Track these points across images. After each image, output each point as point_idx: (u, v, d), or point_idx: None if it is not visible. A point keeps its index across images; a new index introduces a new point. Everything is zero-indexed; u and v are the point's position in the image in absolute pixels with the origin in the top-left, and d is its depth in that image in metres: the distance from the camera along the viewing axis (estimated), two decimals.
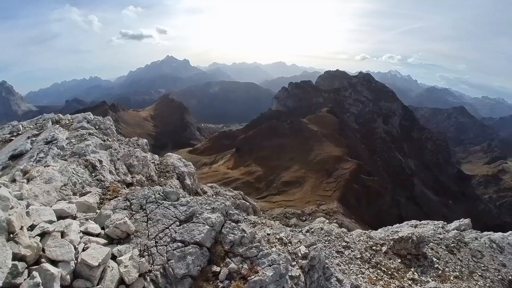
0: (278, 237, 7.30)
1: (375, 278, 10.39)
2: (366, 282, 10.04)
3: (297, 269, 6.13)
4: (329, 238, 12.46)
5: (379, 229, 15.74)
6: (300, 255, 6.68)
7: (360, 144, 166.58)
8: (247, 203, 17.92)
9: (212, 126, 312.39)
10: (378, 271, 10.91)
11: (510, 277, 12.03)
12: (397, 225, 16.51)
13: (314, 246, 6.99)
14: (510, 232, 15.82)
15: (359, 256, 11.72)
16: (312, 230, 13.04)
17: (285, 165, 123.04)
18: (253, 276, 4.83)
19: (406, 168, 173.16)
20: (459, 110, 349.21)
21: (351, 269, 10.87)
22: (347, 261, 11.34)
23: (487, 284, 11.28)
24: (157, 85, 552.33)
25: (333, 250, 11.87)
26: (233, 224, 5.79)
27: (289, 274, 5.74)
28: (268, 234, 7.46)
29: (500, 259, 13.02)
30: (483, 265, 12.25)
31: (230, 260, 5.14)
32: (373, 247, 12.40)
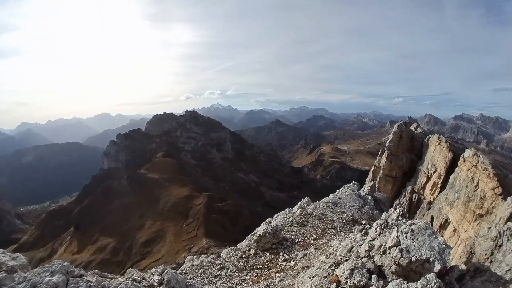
0: (131, 279, 7.34)
1: (256, 277, 11.05)
2: (251, 285, 10.50)
3: None
4: (202, 270, 12.32)
5: (244, 240, 16.68)
6: (156, 283, 7.07)
7: (203, 177, 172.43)
8: (107, 279, 15.33)
9: (36, 207, 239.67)
10: (256, 270, 11.61)
11: (350, 217, 15.73)
12: (257, 228, 17.89)
13: (166, 271, 7.42)
14: (337, 191, 20.18)
15: (235, 269, 12.03)
16: (184, 270, 12.59)
17: (138, 224, 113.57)
18: None
19: (251, 182, 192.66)
20: (276, 123, 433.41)
21: (233, 283, 11.09)
22: (227, 279, 11.50)
23: (338, 229, 14.19)
24: None
25: (211, 276, 11.83)
26: (77, 279, 5.84)
27: None
28: (122, 281, 7.08)
29: (338, 210, 16.79)
30: (329, 220, 15.21)
31: None
32: (243, 256, 13.00)
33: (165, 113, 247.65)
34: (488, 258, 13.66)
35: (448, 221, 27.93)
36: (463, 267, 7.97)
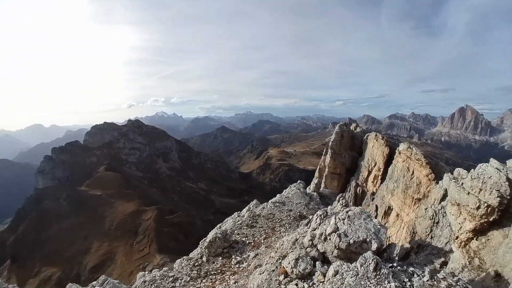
0: None
1: (211, 283, 10.97)
2: None
3: None
4: (155, 284, 11.94)
5: (196, 248, 16.44)
6: None
7: (150, 189, 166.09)
8: None
9: None
10: (210, 276, 11.57)
11: (298, 213, 16.46)
12: (208, 235, 17.80)
13: (107, 281, 7.67)
14: (284, 191, 20.89)
15: (189, 279, 11.84)
16: None
17: (83, 248, 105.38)
18: None
19: (200, 191, 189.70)
20: (221, 130, 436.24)
21: None
22: None
23: (287, 227, 14.71)
24: None
25: None
26: None
27: None
28: None
29: (286, 208, 17.37)
30: (277, 219, 15.72)
31: None
32: (196, 264, 12.86)
33: (105, 122, 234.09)
34: (428, 234, 15.26)
35: (391, 208, 30.44)
36: (407, 245, 8.79)
